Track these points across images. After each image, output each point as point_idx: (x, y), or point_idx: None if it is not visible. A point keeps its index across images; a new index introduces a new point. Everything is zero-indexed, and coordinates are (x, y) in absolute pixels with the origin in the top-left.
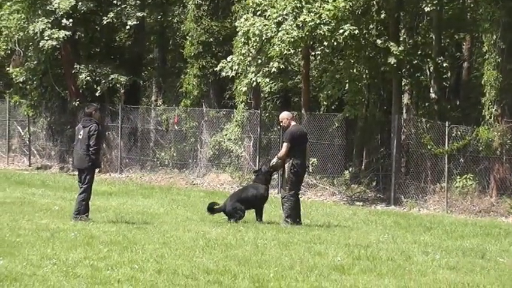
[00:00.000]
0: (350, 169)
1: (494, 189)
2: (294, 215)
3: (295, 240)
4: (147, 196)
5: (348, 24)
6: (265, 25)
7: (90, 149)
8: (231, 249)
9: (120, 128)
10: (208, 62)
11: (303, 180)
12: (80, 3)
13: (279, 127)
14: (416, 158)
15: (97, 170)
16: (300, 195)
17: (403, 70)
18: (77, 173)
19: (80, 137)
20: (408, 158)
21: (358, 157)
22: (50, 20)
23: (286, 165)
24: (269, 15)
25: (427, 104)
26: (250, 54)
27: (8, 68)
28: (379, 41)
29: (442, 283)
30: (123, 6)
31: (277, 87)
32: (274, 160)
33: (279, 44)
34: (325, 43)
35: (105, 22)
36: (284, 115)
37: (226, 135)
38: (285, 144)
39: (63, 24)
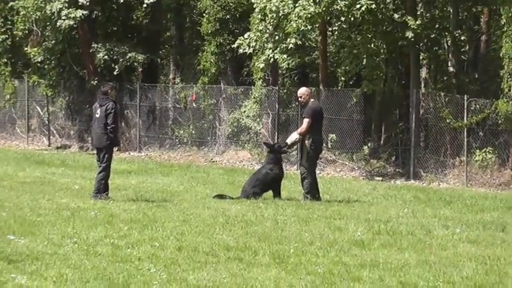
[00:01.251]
0: (369, 144)
1: None
2: (313, 191)
3: (315, 216)
4: (167, 174)
5: None
6: (282, 1)
7: (108, 127)
8: (251, 225)
9: (139, 106)
10: (225, 39)
11: (319, 157)
12: None
13: (297, 103)
14: (435, 132)
15: (115, 149)
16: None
17: (421, 44)
18: (95, 152)
19: (97, 115)
20: (427, 132)
21: (377, 132)
22: (66, 0)
23: (306, 142)
24: None
25: (445, 78)
26: (268, 31)
27: (26, 48)
28: (396, 16)
29: (462, 257)
30: None
31: (295, 64)
32: (296, 136)
33: (296, 20)
34: (342, 18)
35: (122, 0)
36: (303, 91)
37: (244, 112)
38: (306, 120)
39: (80, 4)
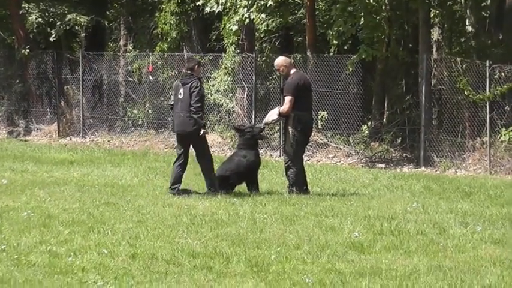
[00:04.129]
0: (369, 124)
1: None
2: (300, 182)
3: (302, 213)
4: (117, 164)
5: None
6: None
7: (191, 108)
8: (222, 226)
9: (82, 80)
10: None
11: (309, 140)
12: None
13: (278, 74)
14: (450, 107)
15: (201, 132)
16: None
17: None
18: (176, 139)
19: (180, 96)
20: (441, 108)
21: (379, 108)
22: None
23: (290, 122)
24: None
25: (462, 40)
26: None
27: None
28: None
29: (484, 260)
30: None
31: (276, 25)
32: (275, 117)
33: None
34: None
35: None
36: (280, 61)
37: (213, 85)
38: (287, 98)
39: None
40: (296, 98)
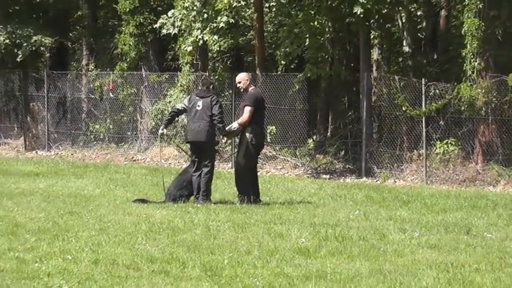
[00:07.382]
0: (314, 137)
1: (479, 155)
2: (251, 191)
3: (252, 221)
4: (80, 176)
5: None
6: None
7: (216, 117)
8: (178, 233)
9: (46, 97)
10: (146, 18)
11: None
12: None
13: (230, 92)
14: (389, 122)
15: (223, 140)
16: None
17: (372, 21)
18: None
19: (198, 108)
20: (380, 123)
21: (323, 123)
22: None
23: (247, 134)
24: None
25: (400, 60)
26: (195, 8)
27: None
28: None
29: (421, 264)
30: None
31: (227, 45)
32: (235, 125)
33: None
34: None
35: None
36: (243, 75)
37: (170, 102)
38: (248, 109)
39: None
40: (254, 112)
